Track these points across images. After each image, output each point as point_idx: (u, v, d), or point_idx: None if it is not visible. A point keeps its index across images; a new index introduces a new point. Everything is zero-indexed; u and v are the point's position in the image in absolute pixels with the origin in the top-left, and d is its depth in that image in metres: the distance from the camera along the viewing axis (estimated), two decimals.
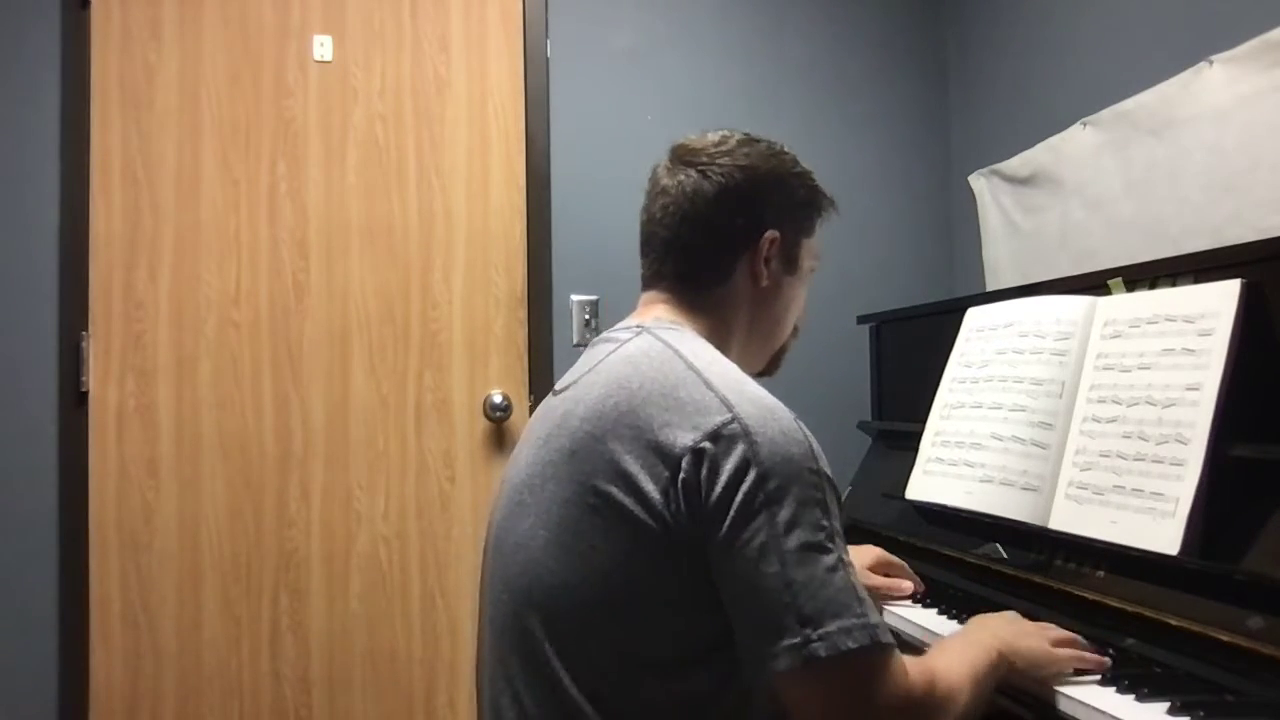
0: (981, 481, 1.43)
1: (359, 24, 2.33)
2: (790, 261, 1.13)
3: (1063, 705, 1.01)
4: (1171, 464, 1.12)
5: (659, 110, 2.46)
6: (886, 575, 1.46)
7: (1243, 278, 1.13)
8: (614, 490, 0.92)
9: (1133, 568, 1.15)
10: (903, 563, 1.48)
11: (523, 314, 2.38)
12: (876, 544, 1.53)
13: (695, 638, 0.92)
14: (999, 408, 1.45)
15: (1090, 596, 1.19)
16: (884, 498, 1.74)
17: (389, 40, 2.34)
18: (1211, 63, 1.68)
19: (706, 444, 0.89)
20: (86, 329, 2.18)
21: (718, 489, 0.88)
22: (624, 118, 2.45)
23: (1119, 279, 1.36)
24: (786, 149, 1.15)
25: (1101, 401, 1.27)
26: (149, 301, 2.21)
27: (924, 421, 1.64)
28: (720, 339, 1.08)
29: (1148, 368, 1.21)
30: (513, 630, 0.98)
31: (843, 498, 1.90)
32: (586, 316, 2.41)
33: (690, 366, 0.96)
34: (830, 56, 2.61)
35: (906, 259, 2.63)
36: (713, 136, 1.12)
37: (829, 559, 0.87)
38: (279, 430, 2.26)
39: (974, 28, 2.55)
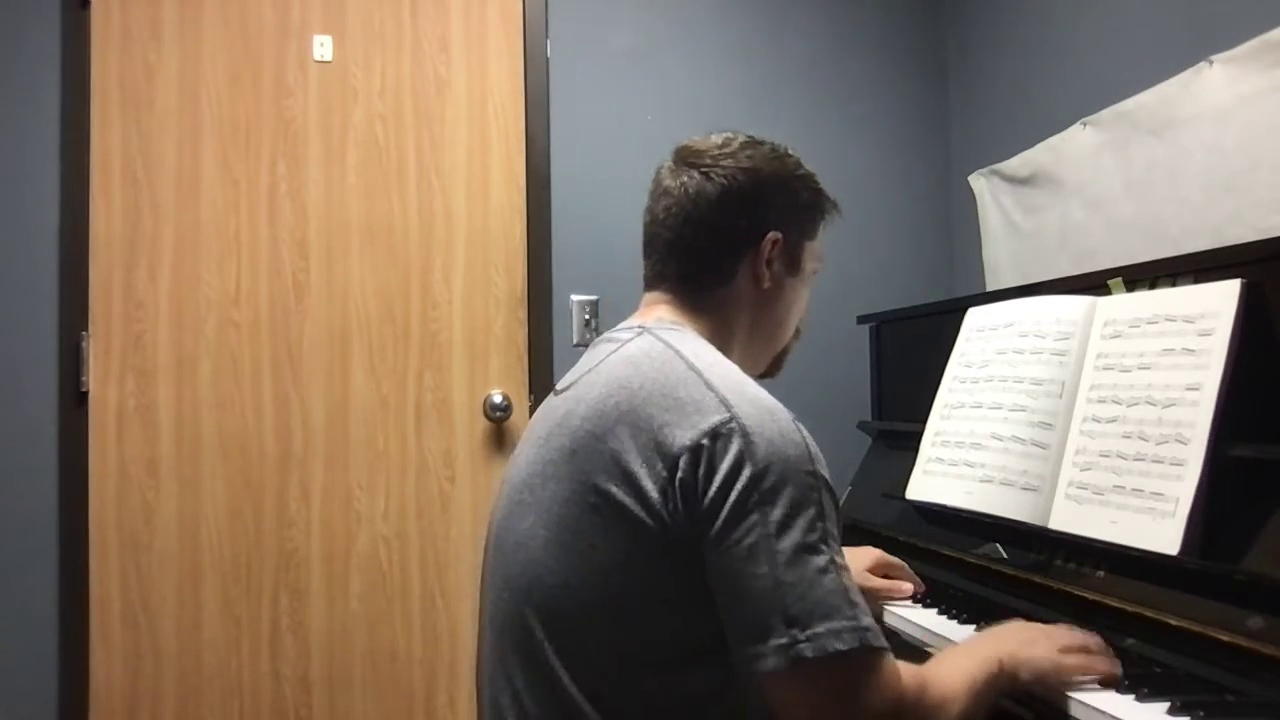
0: (981, 481, 1.43)
1: (359, 24, 2.33)
2: (792, 263, 1.13)
3: (1062, 705, 1.01)
4: (1171, 464, 1.12)
5: (659, 110, 2.46)
6: (887, 577, 1.46)
7: (1243, 278, 1.13)
8: (614, 489, 0.92)
9: (1133, 568, 1.15)
10: (903, 564, 1.48)
11: (523, 314, 2.38)
12: (876, 544, 1.53)
13: (694, 638, 0.92)
14: (999, 408, 1.45)
15: (1090, 596, 1.19)
16: (884, 498, 1.74)
17: (389, 40, 2.34)
18: (1211, 63, 1.68)
19: (704, 442, 0.90)
20: (86, 329, 2.18)
21: (713, 487, 0.88)
22: (624, 118, 2.45)
23: (1119, 279, 1.36)
24: (790, 151, 1.15)
25: (1101, 401, 1.27)
26: (149, 301, 2.21)
27: (924, 421, 1.64)
28: (722, 340, 1.09)
29: (1148, 368, 1.21)
30: (513, 629, 0.98)
31: (842, 498, 1.92)
32: (586, 316, 2.41)
33: (691, 367, 0.97)
34: (830, 57, 2.61)
35: (906, 259, 2.63)
36: (716, 138, 1.12)
37: (820, 560, 0.87)
38: (279, 430, 2.26)
39: (974, 28, 2.55)
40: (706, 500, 0.88)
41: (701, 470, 0.89)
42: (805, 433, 0.93)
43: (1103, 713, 0.95)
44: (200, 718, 2.19)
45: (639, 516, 0.90)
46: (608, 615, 0.93)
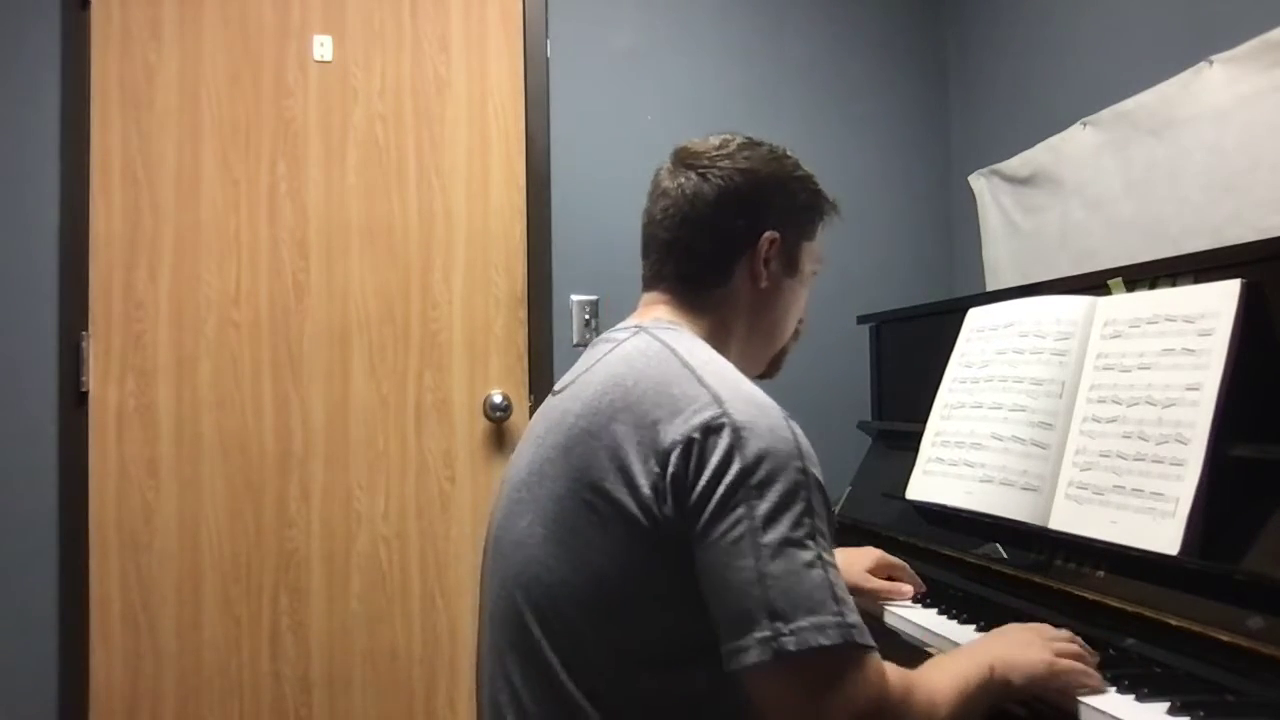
0: (981, 481, 1.43)
1: (359, 24, 2.33)
2: (790, 264, 1.13)
3: (1062, 705, 1.00)
4: (1171, 464, 1.12)
5: (659, 110, 2.46)
6: (888, 578, 1.46)
7: (1243, 278, 1.13)
8: (608, 486, 0.92)
9: (1133, 568, 1.15)
10: (904, 564, 1.48)
11: (523, 314, 2.38)
12: (876, 544, 1.53)
13: (691, 636, 0.92)
14: (999, 408, 1.45)
15: (1090, 596, 1.19)
16: (884, 498, 1.74)
17: (389, 40, 2.34)
18: (1211, 63, 1.68)
19: (695, 436, 0.90)
20: (86, 329, 2.18)
21: (702, 480, 0.89)
22: (624, 118, 2.45)
23: (1119, 279, 1.36)
24: (789, 153, 1.15)
25: (1101, 401, 1.27)
26: (149, 301, 2.21)
27: (924, 421, 1.64)
28: (720, 340, 1.09)
29: (1148, 368, 1.21)
30: (511, 627, 0.99)
31: (842, 498, 1.92)
32: (586, 316, 2.41)
33: (685, 364, 0.97)
34: (830, 57, 2.61)
35: (906, 259, 2.63)
36: (714, 140, 1.13)
37: (807, 555, 0.87)
38: (279, 430, 2.26)
39: (974, 28, 2.55)
40: (695, 493, 0.89)
41: (692, 464, 0.89)
42: (797, 430, 0.94)
43: (1103, 712, 0.95)
44: (200, 718, 2.19)
45: (633, 513, 0.91)
46: (604, 613, 0.93)
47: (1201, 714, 0.92)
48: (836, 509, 1.90)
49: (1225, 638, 0.99)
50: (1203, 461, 1.08)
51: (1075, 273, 1.64)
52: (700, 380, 0.95)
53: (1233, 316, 1.12)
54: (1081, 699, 0.98)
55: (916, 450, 1.63)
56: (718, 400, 0.92)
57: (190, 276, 2.23)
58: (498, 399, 2.33)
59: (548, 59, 2.41)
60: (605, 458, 0.93)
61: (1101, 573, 1.21)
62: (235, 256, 2.26)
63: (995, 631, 1.11)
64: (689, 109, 2.47)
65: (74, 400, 2.16)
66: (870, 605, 1.43)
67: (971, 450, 1.48)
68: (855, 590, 1.41)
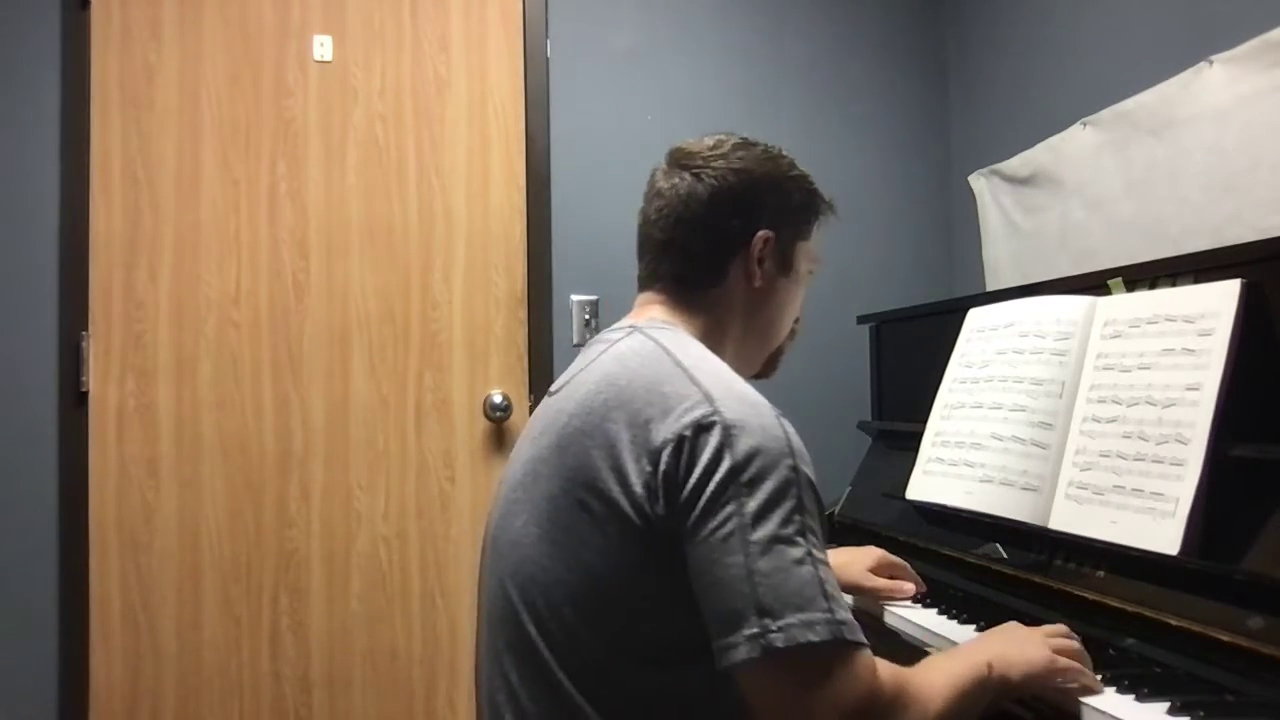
0: (981, 481, 1.43)
1: (359, 24, 2.33)
2: (785, 263, 1.13)
3: (1062, 705, 1.00)
4: (1171, 464, 1.12)
5: (659, 110, 2.47)
6: (890, 577, 1.46)
7: (1243, 278, 1.13)
8: (601, 485, 0.93)
9: (1133, 568, 1.15)
10: (905, 564, 1.47)
11: (523, 314, 2.39)
12: (876, 544, 1.53)
13: (685, 633, 0.92)
14: (999, 408, 1.45)
15: (1090, 596, 1.19)
16: (884, 498, 1.74)
17: (389, 40, 2.34)
18: (1211, 63, 1.68)
19: (686, 434, 0.90)
20: (86, 329, 2.18)
21: (693, 478, 0.89)
22: (624, 118, 2.45)
23: (1119, 279, 1.36)
24: (785, 153, 1.15)
25: (1101, 401, 1.27)
26: (149, 301, 2.21)
27: (924, 421, 1.64)
28: (715, 339, 1.09)
29: (1148, 368, 1.21)
30: (507, 626, 0.99)
31: (842, 498, 1.92)
32: (586, 316, 2.41)
33: (678, 364, 0.97)
34: (830, 57, 2.61)
35: (906, 259, 2.63)
36: (709, 140, 1.13)
37: (796, 552, 0.86)
38: (279, 430, 2.26)
39: (974, 28, 2.55)
40: (686, 491, 0.89)
41: (683, 462, 0.89)
42: (789, 428, 0.93)
43: (1103, 712, 0.95)
44: (200, 718, 2.19)
45: (626, 512, 0.91)
46: (599, 612, 0.93)
47: (1201, 714, 0.92)
48: (836, 509, 1.90)
49: (1225, 638, 0.99)
50: (1203, 461, 1.08)
51: (1075, 273, 1.64)
52: (692, 379, 0.95)
53: (1233, 316, 1.12)
54: (1082, 699, 0.98)
55: (916, 450, 1.63)
56: (709, 399, 0.92)
57: (190, 276, 2.23)
58: (498, 399, 2.33)
59: (548, 59, 2.42)
60: (598, 457, 0.94)
61: (1101, 573, 1.20)
62: (235, 256, 2.26)
63: (994, 629, 1.11)
64: (689, 109, 2.47)
65: (74, 400, 2.16)
66: (871, 605, 1.44)
67: (971, 450, 1.48)
68: (857, 589, 1.42)
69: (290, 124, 2.29)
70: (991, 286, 2.36)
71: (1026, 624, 1.09)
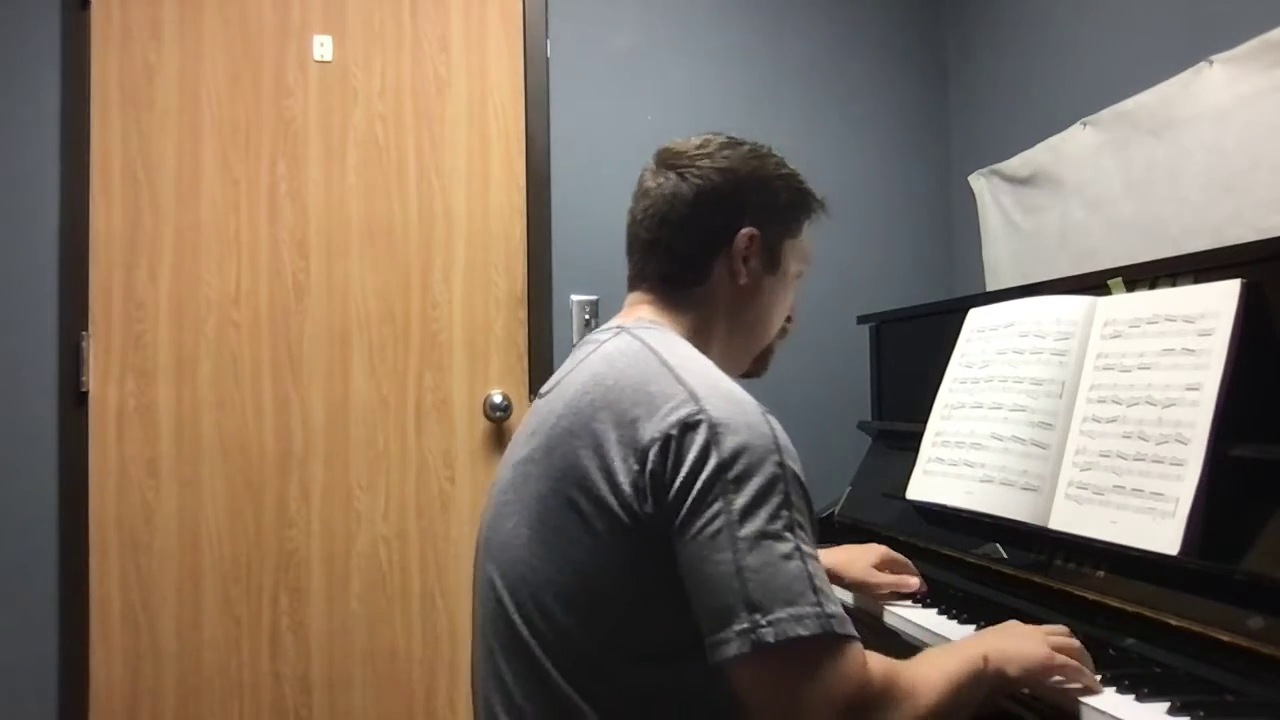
0: (982, 481, 1.43)
1: (359, 24, 2.33)
2: (772, 261, 1.13)
3: (1062, 704, 1.00)
4: (1171, 464, 1.12)
5: (659, 110, 2.46)
6: (893, 573, 1.46)
7: (1243, 278, 1.13)
8: (589, 485, 0.93)
9: (1133, 568, 1.15)
10: (908, 560, 1.48)
11: (523, 314, 2.39)
12: (877, 544, 1.53)
13: (677, 631, 0.92)
14: (999, 408, 1.45)
15: (1090, 596, 1.19)
16: (884, 498, 1.74)
17: (389, 40, 2.34)
18: (1211, 63, 1.68)
19: (672, 433, 0.91)
20: (86, 329, 2.18)
21: (680, 476, 0.89)
22: (624, 118, 2.45)
23: (1119, 279, 1.36)
24: (773, 151, 1.15)
25: (1101, 401, 1.27)
26: (149, 301, 2.21)
27: (924, 421, 1.64)
28: (702, 338, 1.09)
29: (1148, 368, 1.21)
30: (500, 627, 0.99)
31: (842, 498, 1.92)
32: (586, 316, 2.41)
33: (664, 363, 0.98)
34: (830, 57, 2.61)
35: (906, 259, 2.63)
36: (696, 140, 1.13)
37: (784, 547, 0.87)
38: (279, 430, 2.26)
39: (974, 28, 2.55)
40: (673, 489, 0.89)
41: (670, 460, 0.90)
42: (776, 425, 0.94)
43: (1103, 712, 0.95)
44: (200, 718, 2.19)
45: (614, 511, 0.92)
46: (590, 611, 0.94)
47: (1201, 714, 0.92)
48: (836, 509, 1.90)
49: (1225, 638, 0.99)
50: (1203, 461, 1.08)
51: (1075, 273, 1.64)
52: (678, 378, 0.95)
53: (1233, 316, 1.11)
54: (1082, 699, 0.98)
55: (916, 450, 1.63)
56: (694, 397, 0.93)
57: (190, 276, 2.23)
58: (498, 399, 2.33)
59: (548, 59, 2.41)
60: (586, 457, 0.94)
61: (1101, 573, 1.20)
62: (235, 256, 2.26)
63: (993, 627, 1.11)
64: (689, 109, 2.47)
65: (74, 400, 2.16)
66: (871, 605, 1.44)
67: (971, 450, 1.48)
68: (861, 585, 1.42)
69: (290, 124, 2.29)
70: (991, 286, 2.36)
71: (1027, 624, 1.09)
